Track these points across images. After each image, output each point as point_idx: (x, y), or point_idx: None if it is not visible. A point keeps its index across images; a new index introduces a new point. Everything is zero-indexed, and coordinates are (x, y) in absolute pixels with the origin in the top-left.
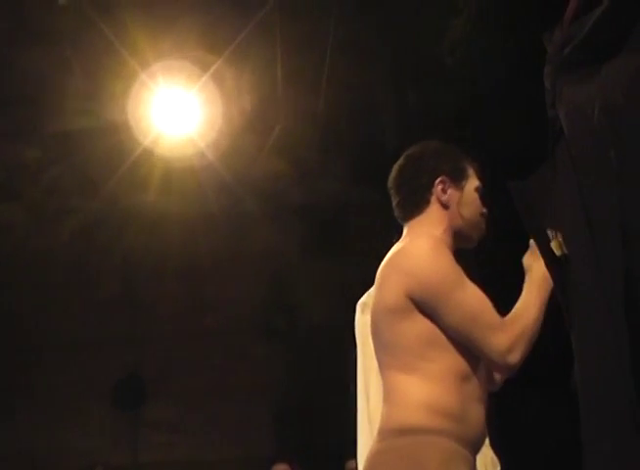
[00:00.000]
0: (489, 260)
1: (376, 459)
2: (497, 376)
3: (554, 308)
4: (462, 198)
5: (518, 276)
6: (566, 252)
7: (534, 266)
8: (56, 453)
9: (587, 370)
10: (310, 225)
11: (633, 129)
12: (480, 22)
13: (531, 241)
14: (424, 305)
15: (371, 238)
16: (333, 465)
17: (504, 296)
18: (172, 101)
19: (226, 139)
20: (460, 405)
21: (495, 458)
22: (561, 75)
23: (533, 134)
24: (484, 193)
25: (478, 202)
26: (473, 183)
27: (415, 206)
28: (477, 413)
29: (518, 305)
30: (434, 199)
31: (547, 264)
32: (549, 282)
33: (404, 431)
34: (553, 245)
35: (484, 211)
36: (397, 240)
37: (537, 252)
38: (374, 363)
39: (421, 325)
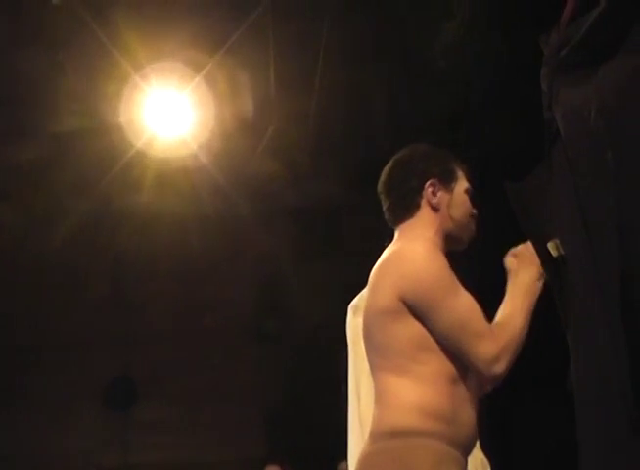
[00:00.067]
0: (480, 263)
1: (367, 461)
2: None
3: (550, 309)
4: (452, 200)
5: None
6: (562, 253)
7: (521, 273)
8: (46, 454)
9: (583, 370)
10: (303, 227)
11: (629, 131)
12: (474, 24)
13: (520, 246)
14: (415, 309)
15: (364, 240)
16: (324, 467)
17: (494, 298)
18: (165, 102)
19: (219, 141)
20: (451, 408)
21: (485, 460)
22: (557, 77)
23: (527, 136)
24: (474, 195)
25: (467, 203)
26: (462, 185)
27: (405, 209)
28: (468, 415)
29: (504, 312)
30: (424, 202)
31: (543, 265)
32: (536, 291)
33: (396, 433)
34: (550, 246)
35: (474, 212)
36: (389, 243)
37: (524, 258)
38: (365, 365)
39: (413, 328)
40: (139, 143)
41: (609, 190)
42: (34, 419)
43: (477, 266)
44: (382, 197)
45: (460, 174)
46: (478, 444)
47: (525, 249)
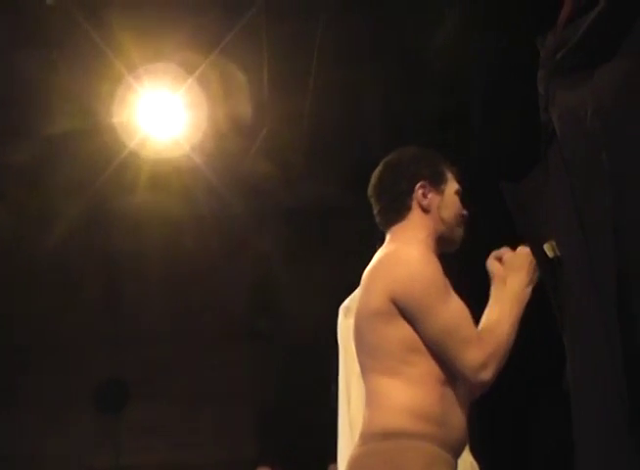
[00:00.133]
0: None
1: (357, 463)
2: None
3: (546, 309)
4: (442, 201)
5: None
6: (558, 253)
7: (510, 279)
8: (38, 455)
9: (579, 370)
10: (296, 228)
11: (625, 132)
12: (468, 25)
13: (505, 250)
14: (406, 311)
15: (356, 242)
16: (315, 468)
17: (484, 301)
18: (158, 103)
19: (212, 141)
20: (442, 410)
21: (475, 463)
22: (554, 79)
23: (522, 138)
24: (465, 195)
25: (458, 204)
26: (452, 186)
27: (397, 212)
28: (458, 418)
29: (491, 317)
30: (414, 204)
31: (540, 266)
32: (524, 297)
33: (387, 435)
34: (546, 247)
35: (465, 212)
36: (380, 246)
37: (512, 263)
38: (355, 367)
39: (403, 330)
40: (132, 144)
41: (604, 190)
42: (26, 420)
43: (469, 269)
44: (372, 200)
45: (450, 176)
46: (467, 446)
47: (513, 254)
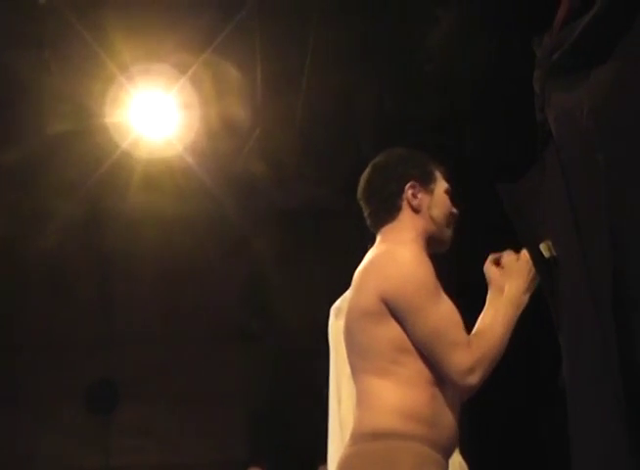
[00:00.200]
0: (465, 266)
1: (348, 463)
2: None
3: (544, 309)
4: (432, 201)
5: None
6: (554, 254)
7: (508, 285)
8: (28, 455)
9: (575, 369)
10: (288, 229)
11: (620, 132)
12: (461, 27)
13: (504, 254)
14: (396, 311)
15: (348, 243)
16: (305, 469)
17: (477, 303)
18: (151, 103)
19: (205, 142)
20: (432, 410)
21: (464, 463)
22: (550, 80)
23: (518, 139)
24: (459, 197)
25: (448, 203)
26: (442, 186)
27: (387, 213)
28: (449, 418)
29: (484, 321)
30: (405, 204)
31: (536, 266)
32: (521, 304)
33: (377, 435)
34: (542, 247)
35: (455, 211)
36: (371, 246)
37: (511, 269)
38: (346, 368)
39: (393, 330)
40: (125, 144)
41: (600, 191)
42: (15, 420)
43: (464, 271)
44: (362, 203)
45: (438, 175)
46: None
47: (513, 259)
